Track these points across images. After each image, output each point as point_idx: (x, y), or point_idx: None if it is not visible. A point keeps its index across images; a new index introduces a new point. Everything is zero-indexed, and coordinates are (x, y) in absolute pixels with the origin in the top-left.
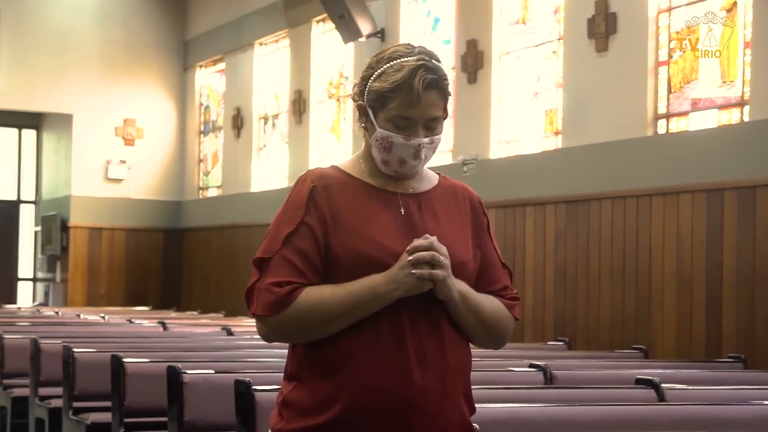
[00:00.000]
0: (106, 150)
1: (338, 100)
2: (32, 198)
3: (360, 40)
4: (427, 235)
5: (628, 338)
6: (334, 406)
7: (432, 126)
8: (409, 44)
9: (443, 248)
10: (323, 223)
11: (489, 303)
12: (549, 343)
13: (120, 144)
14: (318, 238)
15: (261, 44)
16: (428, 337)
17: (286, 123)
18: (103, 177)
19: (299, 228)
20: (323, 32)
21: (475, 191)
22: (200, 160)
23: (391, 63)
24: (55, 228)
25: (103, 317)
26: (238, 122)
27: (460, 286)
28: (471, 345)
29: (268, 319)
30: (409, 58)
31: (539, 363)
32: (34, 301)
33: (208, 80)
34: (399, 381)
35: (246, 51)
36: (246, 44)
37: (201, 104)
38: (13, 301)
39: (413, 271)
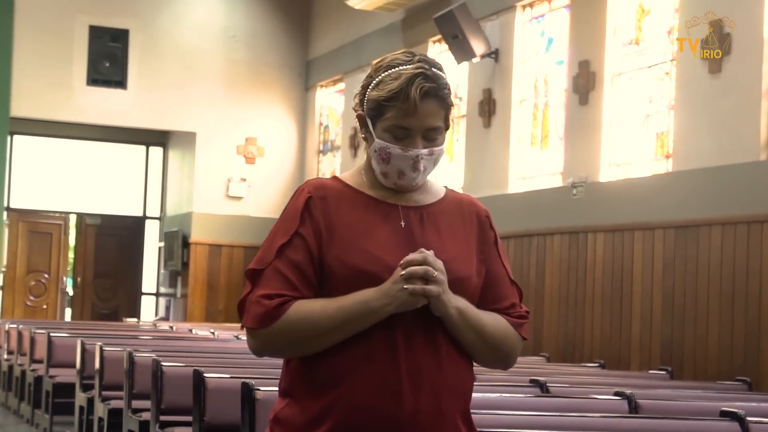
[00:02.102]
0: (227, 168)
1: (452, 120)
2: (157, 214)
3: (474, 60)
4: (422, 249)
5: (736, 369)
6: (323, 425)
7: (431, 137)
8: (410, 52)
9: (439, 263)
10: (318, 234)
11: (492, 321)
12: (651, 371)
13: (241, 162)
14: (312, 250)
15: None
16: (423, 355)
17: None
18: (224, 194)
19: (293, 239)
20: (439, 52)
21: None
22: None
23: (389, 71)
24: (177, 244)
25: (213, 333)
26: (356, 142)
27: (459, 302)
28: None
29: (258, 333)
30: (407, 66)
31: (625, 391)
32: (156, 315)
33: (328, 100)
34: (390, 400)
35: (365, 71)
36: (365, 64)
37: (321, 124)
38: (137, 315)
39: (405, 286)
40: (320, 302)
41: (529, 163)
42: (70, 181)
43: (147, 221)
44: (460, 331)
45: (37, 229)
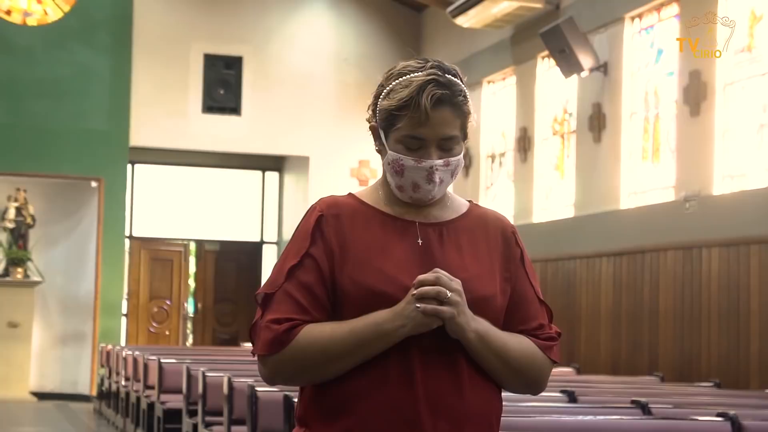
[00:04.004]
0: (340, 191)
1: (562, 136)
2: (274, 239)
3: (582, 74)
4: (437, 269)
5: None
6: None
7: (447, 146)
8: (423, 58)
9: (455, 283)
10: (330, 254)
11: (516, 344)
12: None
13: (355, 185)
14: (323, 271)
15: (489, 82)
16: (442, 380)
17: (512, 161)
18: None
19: (304, 260)
20: (548, 68)
21: (510, 221)
22: None
23: (400, 79)
24: None
25: None
26: (467, 161)
27: (478, 324)
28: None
29: (268, 359)
30: (418, 73)
31: (729, 412)
32: None
33: None
34: (406, 428)
35: (474, 89)
36: (474, 82)
37: None
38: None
39: (417, 306)
40: (331, 325)
41: (641, 177)
42: (189, 208)
43: (264, 246)
44: (480, 355)
45: (158, 256)
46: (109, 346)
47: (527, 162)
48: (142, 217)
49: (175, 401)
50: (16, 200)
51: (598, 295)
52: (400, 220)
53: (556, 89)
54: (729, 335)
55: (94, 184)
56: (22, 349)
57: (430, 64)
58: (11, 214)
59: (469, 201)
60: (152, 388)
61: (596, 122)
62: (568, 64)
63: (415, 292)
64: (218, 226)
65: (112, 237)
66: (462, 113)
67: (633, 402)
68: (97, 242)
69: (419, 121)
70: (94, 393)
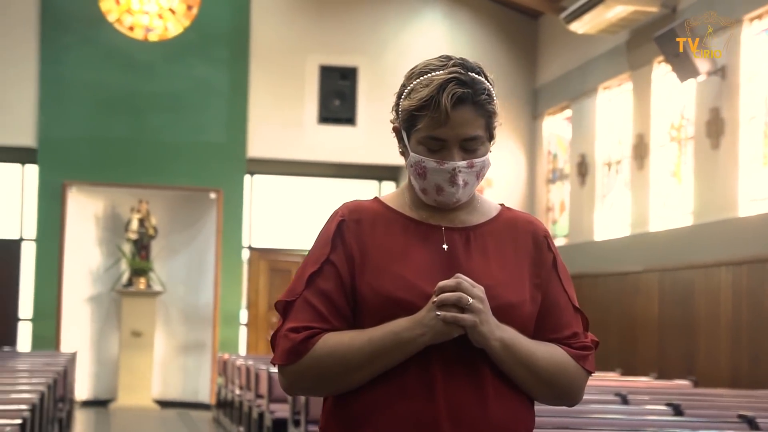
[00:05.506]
0: None
1: (679, 142)
2: None
3: (699, 79)
4: (458, 275)
5: None
6: None
7: (470, 147)
8: (445, 56)
9: (477, 289)
10: (350, 261)
11: (546, 353)
12: None
13: None
14: (343, 278)
15: (604, 89)
16: (465, 391)
17: (628, 168)
18: None
19: (323, 267)
20: (665, 73)
21: (541, 224)
22: (548, 209)
23: (421, 78)
24: None
25: None
26: (583, 169)
27: (504, 333)
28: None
29: (286, 369)
30: (440, 72)
31: None
32: None
33: (556, 128)
34: None
35: (590, 96)
36: (590, 89)
37: (549, 152)
38: None
39: (437, 313)
40: (350, 334)
41: (761, 184)
42: (306, 218)
43: None
44: (505, 365)
45: (276, 267)
46: (226, 356)
47: (644, 169)
48: (260, 228)
49: (283, 411)
50: (138, 212)
51: (717, 306)
52: (424, 224)
53: (672, 95)
54: None
55: (213, 195)
56: (145, 358)
57: (452, 62)
58: (134, 225)
59: (501, 204)
60: (263, 397)
61: (714, 128)
62: (684, 68)
63: (435, 299)
64: None
65: (231, 247)
66: (485, 112)
67: (740, 416)
68: (216, 253)
69: (439, 122)
70: (214, 402)
